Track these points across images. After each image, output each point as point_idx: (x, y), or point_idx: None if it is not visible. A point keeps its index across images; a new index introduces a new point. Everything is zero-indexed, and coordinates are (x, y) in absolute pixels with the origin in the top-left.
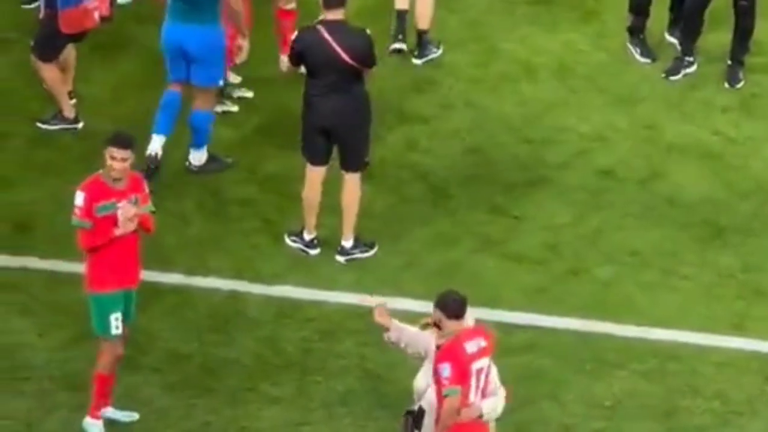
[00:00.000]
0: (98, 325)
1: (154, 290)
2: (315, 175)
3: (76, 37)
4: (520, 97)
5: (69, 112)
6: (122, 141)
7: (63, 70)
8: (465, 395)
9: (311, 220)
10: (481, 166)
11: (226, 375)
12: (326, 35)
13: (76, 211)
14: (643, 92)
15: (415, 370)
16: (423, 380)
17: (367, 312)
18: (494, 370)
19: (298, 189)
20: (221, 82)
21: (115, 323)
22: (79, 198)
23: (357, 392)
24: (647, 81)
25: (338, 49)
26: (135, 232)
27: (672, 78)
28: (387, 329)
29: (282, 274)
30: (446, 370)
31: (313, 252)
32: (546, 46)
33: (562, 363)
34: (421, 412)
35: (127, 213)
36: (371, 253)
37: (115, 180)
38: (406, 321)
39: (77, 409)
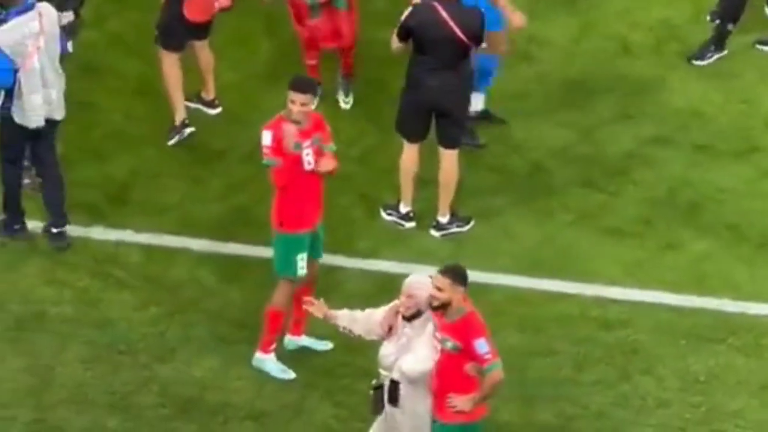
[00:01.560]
0: (282, 266)
1: (251, 263)
2: (412, 149)
3: (198, 30)
4: (616, 72)
5: (179, 116)
6: (301, 85)
7: (203, 73)
8: None
9: (408, 193)
10: (576, 140)
11: (318, 351)
12: (442, 12)
13: (266, 150)
14: (739, 66)
15: (516, 345)
16: (392, 354)
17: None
18: None
19: (394, 163)
20: None
21: (301, 263)
22: (267, 137)
23: None
24: (742, 55)
25: (454, 27)
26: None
27: (764, 48)
28: (334, 321)
29: (378, 249)
30: (483, 345)
31: (409, 225)
32: (642, 21)
33: (658, 337)
34: (394, 384)
35: (327, 166)
36: (467, 227)
37: (297, 122)
38: (500, 296)
39: (172, 383)
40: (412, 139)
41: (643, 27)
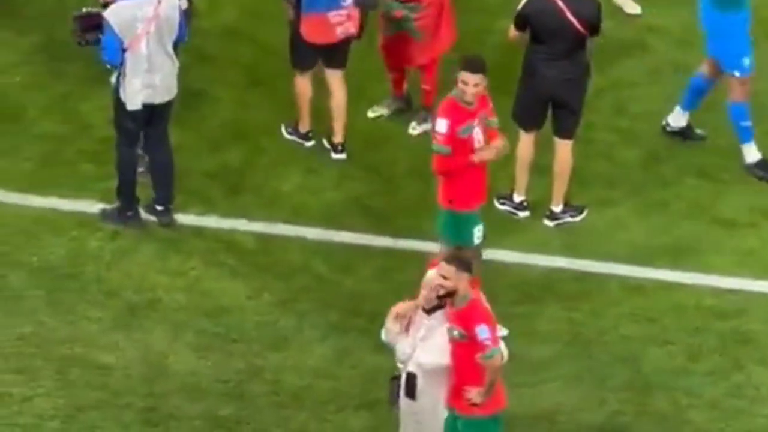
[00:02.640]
0: (457, 238)
1: (365, 252)
2: (528, 138)
3: (323, 54)
4: None
5: (303, 127)
6: (474, 65)
7: (332, 109)
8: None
9: (522, 182)
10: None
11: None
12: (559, 2)
13: (438, 137)
14: None
15: (630, 335)
16: (408, 346)
17: (578, 276)
18: None
19: (509, 153)
20: None
21: (477, 234)
22: (443, 125)
23: (565, 357)
24: None
25: (571, 17)
26: None
27: None
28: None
29: (491, 237)
30: (485, 331)
31: (522, 214)
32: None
33: None
34: (411, 377)
35: (488, 155)
36: (580, 217)
37: (469, 103)
38: (614, 286)
39: (284, 371)
40: (528, 129)
41: (758, 18)
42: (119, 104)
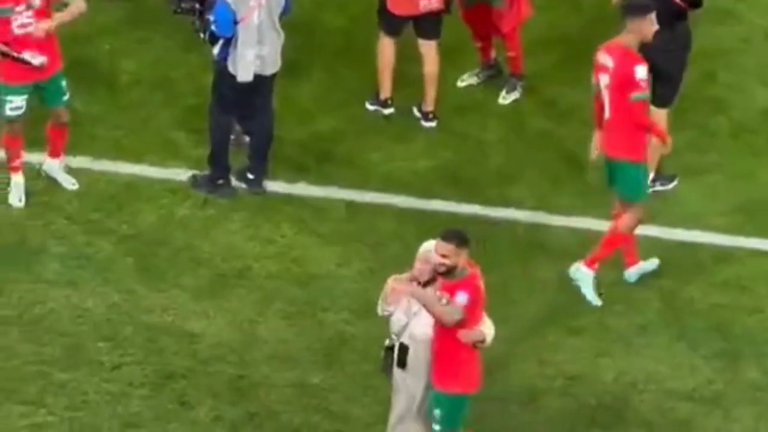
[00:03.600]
0: (639, 193)
1: (455, 220)
2: None
3: (410, 21)
4: None
5: (383, 93)
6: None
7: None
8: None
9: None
10: None
11: (527, 305)
12: None
13: (643, 84)
14: None
15: (721, 303)
16: (403, 319)
17: (669, 245)
18: None
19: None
20: None
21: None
22: (644, 71)
23: (656, 325)
24: None
25: None
26: None
27: None
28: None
29: (582, 206)
30: (463, 297)
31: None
32: None
33: None
34: (403, 348)
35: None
36: (671, 185)
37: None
38: (705, 254)
39: (374, 341)
40: None
41: None
42: (224, 75)
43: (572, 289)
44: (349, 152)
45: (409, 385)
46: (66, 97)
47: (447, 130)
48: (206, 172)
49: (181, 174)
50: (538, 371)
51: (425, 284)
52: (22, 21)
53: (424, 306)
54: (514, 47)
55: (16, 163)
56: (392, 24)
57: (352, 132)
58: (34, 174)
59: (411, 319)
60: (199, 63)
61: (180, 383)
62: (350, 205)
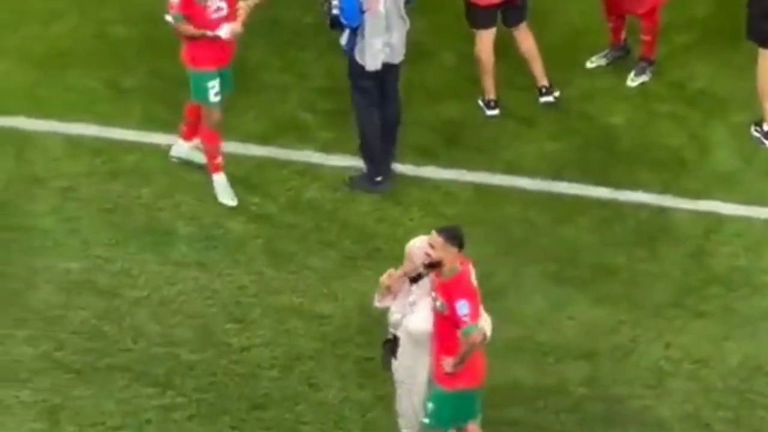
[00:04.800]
0: None
1: (582, 203)
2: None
3: (495, 11)
4: None
5: (487, 94)
6: None
7: (528, 60)
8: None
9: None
10: None
11: (653, 290)
12: None
13: None
14: None
15: None
16: (399, 312)
17: None
18: None
19: (724, 104)
20: None
21: None
22: None
23: None
24: None
25: None
26: None
27: None
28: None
29: (709, 190)
30: (464, 307)
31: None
32: None
33: None
34: (395, 341)
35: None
36: None
37: None
38: None
39: (502, 321)
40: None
41: None
42: (356, 66)
43: (700, 271)
44: (476, 135)
45: (402, 381)
46: (228, 89)
47: (574, 112)
48: (363, 170)
49: (311, 156)
50: (664, 354)
51: (412, 280)
52: (217, 5)
53: (461, 358)
54: (650, 31)
55: (218, 160)
56: (481, 16)
57: (479, 115)
58: (162, 154)
59: (407, 313)
60: (329, 44)
61: (308, 365)
62: (477, 187)
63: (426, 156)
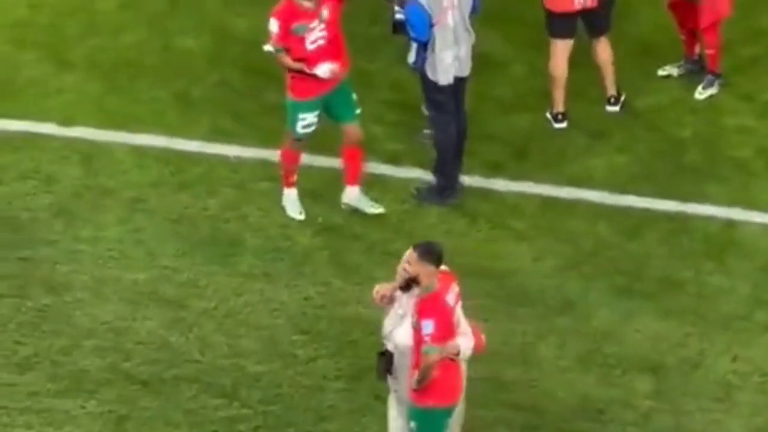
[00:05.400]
0: None
1: (650, 216)
2: None
3: (577, 19)
4: None
5: (556, 106)
6: None
7: (601, 69)
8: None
9: None
10: None
11: (721, 303)
12: None
13: None
14: None
15: None
16: (389, 325)
17: None
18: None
19: None
20: None
21: None
22: None
23: None
24: None
25: None
26: None
27: None
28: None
29: None
30: (428, 326)
31: None
32: None
33: None
34: (389, 356)
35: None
36: None
37: None
38: None
39: (569, 334)
40: None
41: None
42: (429, 82)
43: (766, 285)
44: (544, 148)
45: (396, 390)
46: (358, 111)
47: (642, 125)
48: (433, 182)
49: (378, 167)
50: (732, 367)
51: (403, 289)
52: (315, 36)
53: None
54: (712, 45)
55: (293, 179)
56: (557, 25)
57: (548, 127)
58: (228, 166)
59: (396, 326)
60: (397, 56)
61: (374, 377)
62: (545, 200)
63: (494, 168)
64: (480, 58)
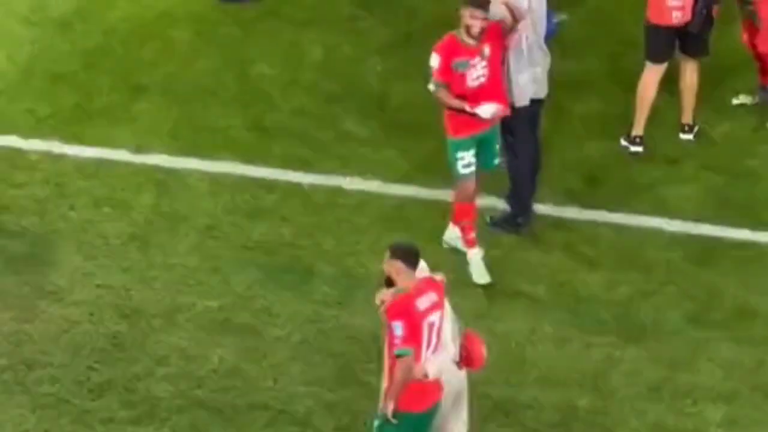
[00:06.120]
0: None
1: (723, 244)
2: None
3: (674, 37)
4: None
5: (636, 129)
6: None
7: (683, 93)
8: (417, 354)
9: None
10: None
11: None
12: None
13: None
14: None
15: None
16: None
17: None
18: (447, 326)
19: None
20: None
21: None
22: None
23: None
24: None
25: None
26: None
27: None
28: None
29: None
30: (398, 328)
31: None
32: None
33: None
34: None
35: None
36: None
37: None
38: None
39: (641, 362)
40: None
41: None
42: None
43: None
44: (618, 175)
45: None
46: (497, 161)
47: (716, 152)
48: (506, 210)
49: (450, 196)
50: None
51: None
52: (477, 73)
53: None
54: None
55: (472, 235)
56: (656, 45)
57: (622, 156)
58: (303, 194)
59: None
60: None
61: None
62: (619, 228)
63: (567, 196)
64: (556, 85)
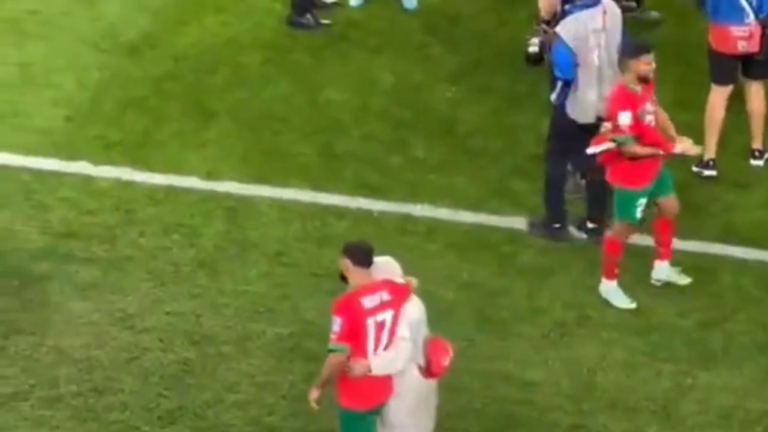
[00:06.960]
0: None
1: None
2: None
3: (739, 61)
4: None
5: (707, 154)
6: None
7: (751, 118)
8: (360, 351)
9: None
10: None
11: None
12: None
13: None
14: None
15: None
16: None
17: None
18: (402, 323)
19: None
20: None
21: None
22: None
23: None
24: None
25: None
26: None
27: None
28: None
29: None
30: (335, 324)
31: None
32: None
33: None
34: None
35: None
36: None
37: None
38: None
39: (712, 390)
40: None
41: None
42: (562, 118)
43: None
44: (688, 201)
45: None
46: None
47: None
48: (544, 215)
49: (522, 222)
50: None
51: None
52: (650, 118)
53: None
54: None
55: (617, 270)
56: (720, 69)
57: (690, 180)
58: (372, 220)
59: None
60: (541, 111)
61: None
62: (688, 255)
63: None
64: None
